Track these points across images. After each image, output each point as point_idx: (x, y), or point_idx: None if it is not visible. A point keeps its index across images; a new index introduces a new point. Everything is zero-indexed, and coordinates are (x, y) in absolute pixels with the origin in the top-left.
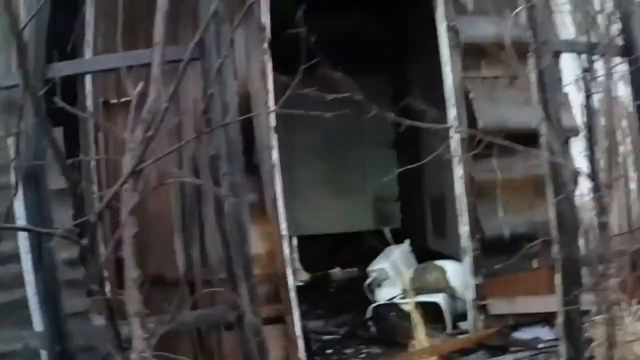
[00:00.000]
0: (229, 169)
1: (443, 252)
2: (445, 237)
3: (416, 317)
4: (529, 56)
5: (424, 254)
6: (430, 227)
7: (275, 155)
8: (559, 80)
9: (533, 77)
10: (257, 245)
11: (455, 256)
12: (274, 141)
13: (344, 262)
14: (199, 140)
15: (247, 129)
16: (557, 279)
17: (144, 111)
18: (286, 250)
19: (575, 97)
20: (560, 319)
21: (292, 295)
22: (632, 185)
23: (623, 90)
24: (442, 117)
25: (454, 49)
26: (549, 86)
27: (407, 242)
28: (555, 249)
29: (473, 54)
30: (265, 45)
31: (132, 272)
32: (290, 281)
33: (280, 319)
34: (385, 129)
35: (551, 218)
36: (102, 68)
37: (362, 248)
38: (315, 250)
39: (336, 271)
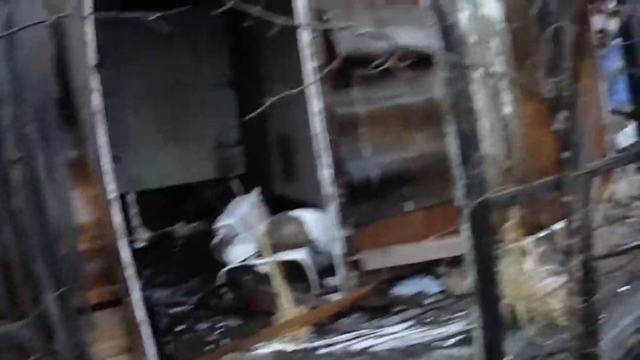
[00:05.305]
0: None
1: (293, 197)
2: (296, 180)
3: (278, 281)
4: None
5: (274, 202)
6: (278, 171)
7: (97, 100)
8: None
9: None
10: (80, 213)
11: (310, 202)
12: (95, 82)
13: (187, 216)
14: None
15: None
16: (463, 224)
17: None
18: (116, 217)
19: None
20: (470, 272)
21: (130, 272)
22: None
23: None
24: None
25: None
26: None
27: (255, 191)
28: (458, 189)
29: None
30: None
31: None
32: (126, 255)
33: (116, 302)
34: (221, 67)
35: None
36: None
37: (205, 200)
38: (155, 206)
39: (179, 227)
